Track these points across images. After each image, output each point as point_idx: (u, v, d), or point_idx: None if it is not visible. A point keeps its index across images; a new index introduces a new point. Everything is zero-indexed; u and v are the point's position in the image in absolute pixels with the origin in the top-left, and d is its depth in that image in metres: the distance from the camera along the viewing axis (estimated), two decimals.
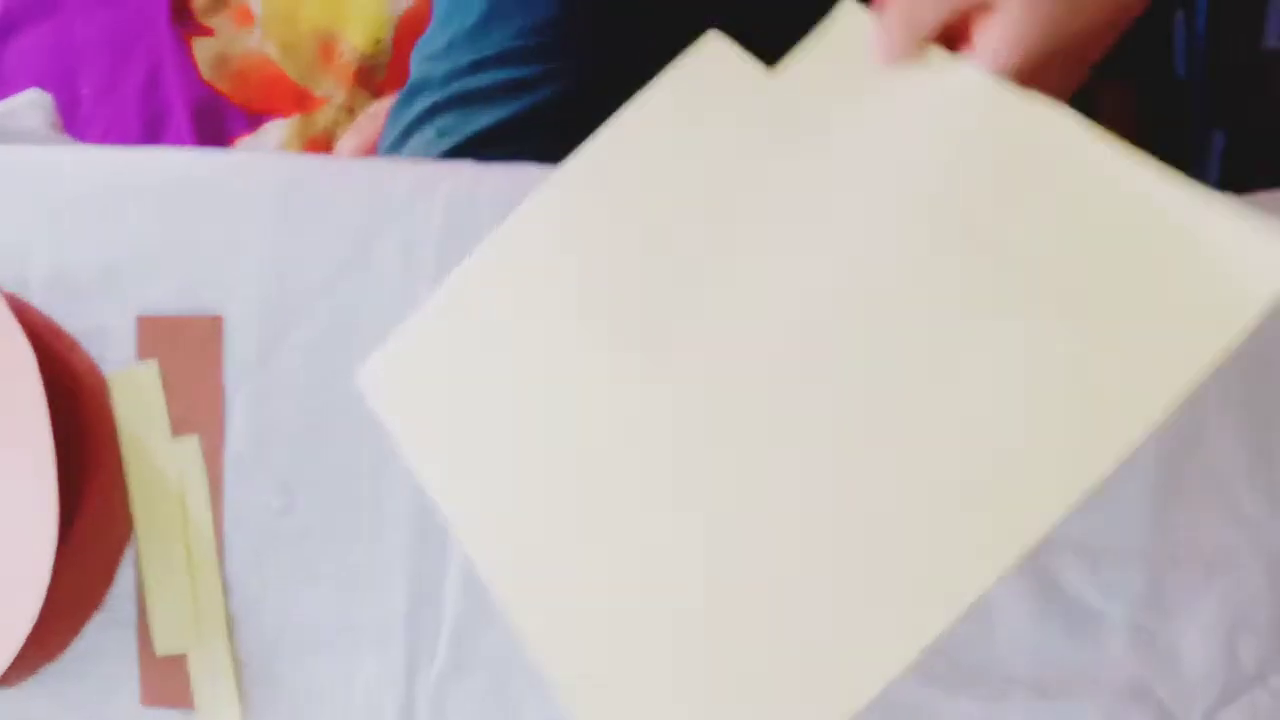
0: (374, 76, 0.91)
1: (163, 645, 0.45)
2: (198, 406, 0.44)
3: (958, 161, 0.36)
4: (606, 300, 0.38)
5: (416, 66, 0.61)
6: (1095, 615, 0.42)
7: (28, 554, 0.43)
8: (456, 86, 0.57)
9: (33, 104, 0.56)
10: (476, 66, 0.57)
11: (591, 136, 0.40)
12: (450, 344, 0.40)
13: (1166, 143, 0.84)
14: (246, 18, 0.90)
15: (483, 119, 0.55)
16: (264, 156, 0.46)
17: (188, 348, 0.44)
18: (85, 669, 0.46)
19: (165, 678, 0.45)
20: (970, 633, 0.42)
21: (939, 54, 0.37)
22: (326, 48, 0.90)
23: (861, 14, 0.37)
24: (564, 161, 0.40)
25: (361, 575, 0.44)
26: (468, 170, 0.46)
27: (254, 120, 0.89)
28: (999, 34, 0.35)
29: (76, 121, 0.87)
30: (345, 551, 0.44)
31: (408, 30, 0.89)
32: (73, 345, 0.45)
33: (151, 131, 0.86)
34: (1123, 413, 0.32)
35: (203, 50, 0.89)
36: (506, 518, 0.37)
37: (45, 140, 0.54)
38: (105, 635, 0.46)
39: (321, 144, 0.90)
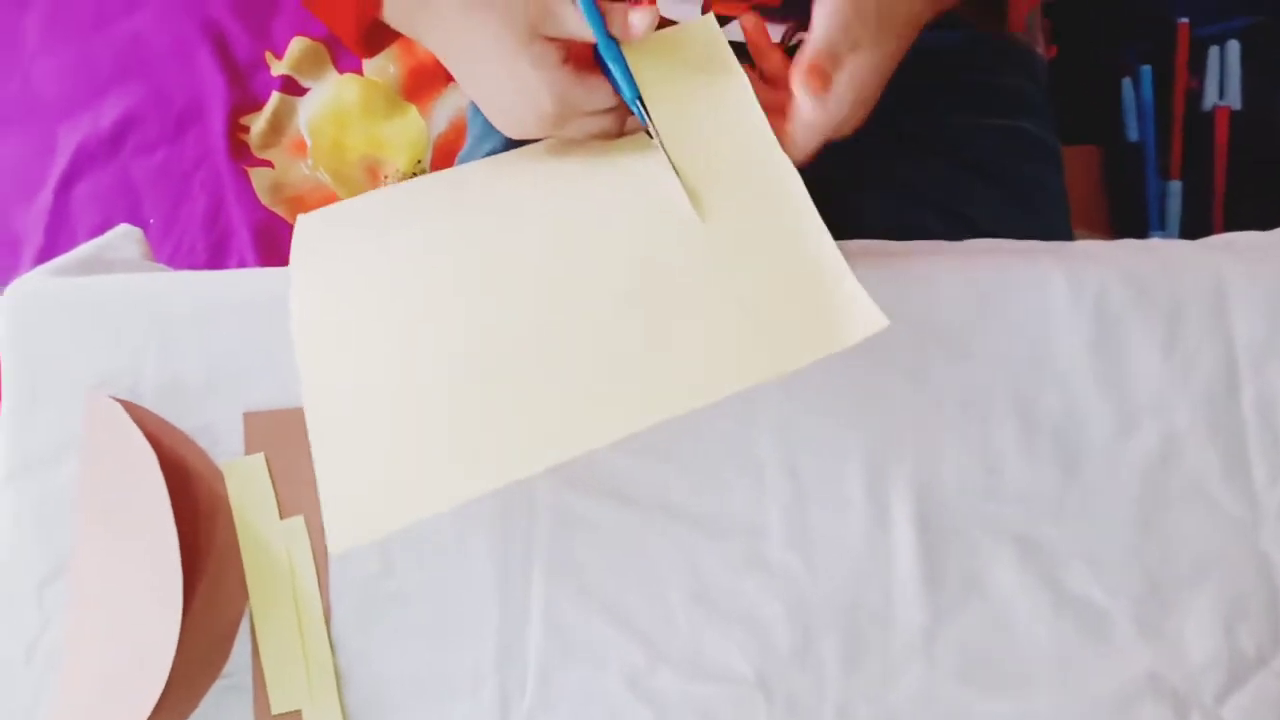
0: None
1: (279, 703, 0.48)
2: (303, 489, 0.48)
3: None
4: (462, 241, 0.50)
5: None
6: (1102, 613, 0.46)
7: (155, 630, 0.47)
8: None
9: (126, 237, 0.61)
10: None
11: None
12: (368, 229, 0.52)
13: (1130, 194, 0.92)
14: (301, 149, 0.99)
15: None
16: None
17: (291, 438, 0.49)
18: None
19: None
20: (994, 638, 0.46)
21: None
22: (373, 171, 0.98)
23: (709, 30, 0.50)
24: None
25: (453, 627, 0.48)
26: None
27: None
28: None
29: None
30: (438, 607, 0.48)
31: (444, 151, 0.97)
32: (187, 441, 0.50)
33: (218, 252, 0.93)
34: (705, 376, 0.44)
35: (260, 179, 0.97)
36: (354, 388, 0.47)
37: (142, 268, 0.59)
38: (224, 700, 0.48)
39: None
